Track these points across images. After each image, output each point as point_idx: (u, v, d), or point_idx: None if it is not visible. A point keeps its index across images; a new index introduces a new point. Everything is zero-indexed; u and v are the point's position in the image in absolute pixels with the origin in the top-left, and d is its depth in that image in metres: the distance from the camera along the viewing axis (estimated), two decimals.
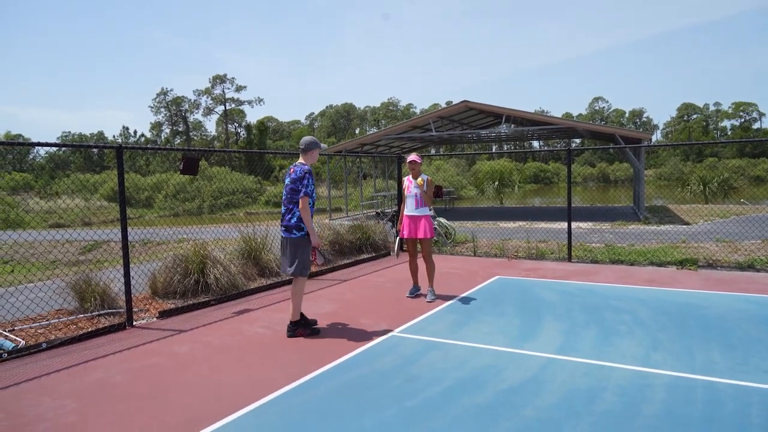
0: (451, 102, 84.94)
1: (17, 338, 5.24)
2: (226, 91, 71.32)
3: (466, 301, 6.64)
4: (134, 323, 5.95)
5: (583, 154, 77.54)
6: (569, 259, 9.30)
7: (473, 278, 7.98)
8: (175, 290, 6.95)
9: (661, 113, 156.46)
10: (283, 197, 5.39)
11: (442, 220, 11.68)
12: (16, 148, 65.85)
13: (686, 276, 7.84)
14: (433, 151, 43.78)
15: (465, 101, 19.30)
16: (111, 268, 8.75)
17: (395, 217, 11.62)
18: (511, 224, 15.39)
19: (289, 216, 5.30)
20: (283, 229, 5.36)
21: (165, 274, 7.08)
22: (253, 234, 8.37)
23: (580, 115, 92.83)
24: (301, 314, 5.41)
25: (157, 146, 66.90)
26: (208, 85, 71.76)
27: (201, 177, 41.00)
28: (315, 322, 5.62)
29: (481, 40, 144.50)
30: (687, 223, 14.67)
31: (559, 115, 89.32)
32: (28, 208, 30.53)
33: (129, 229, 6.16)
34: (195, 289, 7.01)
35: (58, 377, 4.39)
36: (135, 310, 6.20)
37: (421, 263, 7.06)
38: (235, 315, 6.29)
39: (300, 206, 5.18)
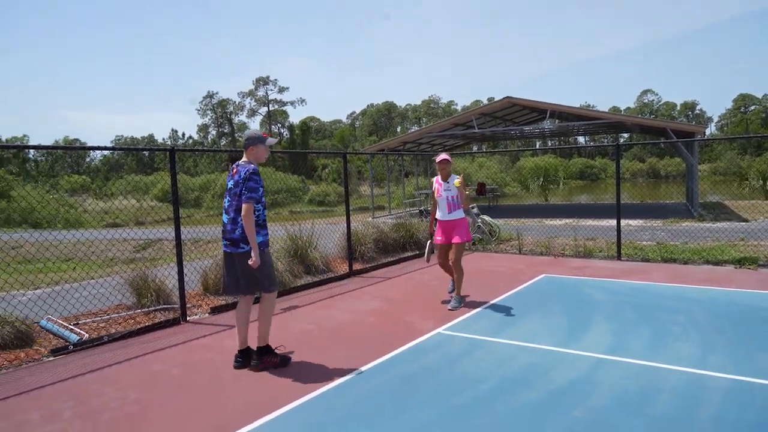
0: (493, 98, 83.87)
1: (81, 332, 5.54)
2: (269, 92, 72.83)
3: (511, 299, 6.58)
4: (188, 318, 6.19)
5: (632, 149, 75.07)
6: (618, 257, 9.06)
7: (519, 276, 7.89)
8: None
9: (716, 105, 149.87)
10: (225, 204, 4.52)
11: (486, 217, 11.57)
12: (74, 152, 69.12)
13: (745, 275, 7.51)
14: (475, 148, 43.34)
15: (508, 97, 19.03)
16: (165, 265, 9.10)
17: None
18: (556, 222, 15.09)
19: (232, 227, 4.41)
20: (226, 243, 4.47)
21: (216, 272, 7.31)
22: (300, 232, 8.54)
23: (628, 108, 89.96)
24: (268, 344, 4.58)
25: (205, 148, 68.73)
26: (252, 87, 73.48)
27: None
28: (287, 356, 4.71)
29: (523, 35, 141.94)
30: (745, 220, 14.00)
31: (606, 110, 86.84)
32: (86, 208, 32.04)
33: (181, 228, 6.40)
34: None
35: (120, 369, 4.63)
36: (188, 305, 6.44)
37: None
38: (282, 312, 6.43)
39: (243, 213, 4.27)
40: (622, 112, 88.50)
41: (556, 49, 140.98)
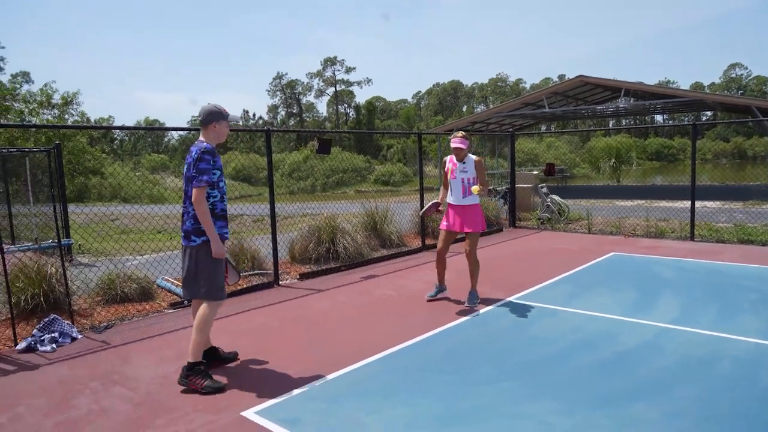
0: (564, 76, 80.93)
1: None
2: (336, 72, 73.95)
3: (580, 274, 6.85)
4: (280, 283, 6.92)
5: (715, 128, 70.54)
6: (692, 238, 9.01)
7: (587, 254, 8.09)
8: (310, 257, 7.88)
9: None
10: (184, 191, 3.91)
11: (556, 197, 11.70)
12: (155, 132, 73.11)
13: None
14: (543, 128, 42.36)
15: (581, 76, 18.68)
16: (251, 237, 9.96)
17: (507, 194, 11.83)
18: (628, 203, 14.87)
19: (185, 217, 3.86)
20: (182, 235, 3.94)
21: (301, 243, 8.03)
22: (376, 208, 9.11)
23: (713, 84, 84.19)
24: (205, 356, 3.97)
25: (297, 129, 70.70)
26: (320, 67, 74.87)
27: (314, 157, 43.25)
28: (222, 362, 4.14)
29: (595, 7, 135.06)
30: None
31: (687, 86, 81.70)
32: (167, 186, 34.31)
33: (254, 205, 7.10)
34: (326, 256, 7.88)
35: (229, 320, 5.37)
36: (280, 272, 7.17)
37: (453, 260, 6.24)
38: (363, 279, 7.04)
39: (193, 199, 3.70)
40: (706, 89, 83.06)
41: (631, 20, 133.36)
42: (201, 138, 3.90)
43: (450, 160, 5.72)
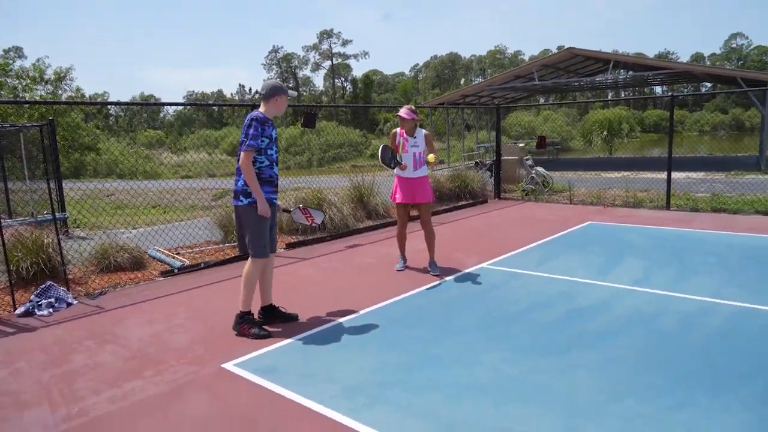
0: (563, 47, 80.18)
1: (184, 259, 6.68)
2: (332, 45, 73.19)
3: (554, 242, 7.16)
4: None
5: (714, 100, 70.26)
6: (667, 207, 9.32)
7: (565, 223, 8.40)
8: (297, 228, 8.18)
9: None
10: None
11: (540, 168, 11.97)
12: (149, 108, 72.77)
13: None
14: (542, 101, 42.28)
15: (570, 48, 18.74)
16: None
17: (492, 167, 12.09)
18: (614, 174, 15.13)
19: (237, 177, 4.17)
20: (232, 195, 4.27)
21: (287, 215, 8.31)
22: (362, 181, 9.38)
23: (713, 55, 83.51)
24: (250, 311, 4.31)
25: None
26: (316, 40, 74.04)
27: (310, 132, 43.19)
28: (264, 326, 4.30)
29: None
30: None
31: (688, 57, 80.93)
32: (162, 161, 34.47)
33: None
34: (313, 227, 8.18)
35: (219, 286, 5.70)
36: None
37: (413, 234, 6.36)
38: (346, 248, 7.35)
39: (241, 162, 4.03)
40: (706, 59, 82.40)
41: None
42: (260, 109, 4.22)
43: (400, 134, 5.76)
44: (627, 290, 4.99)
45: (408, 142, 5.72)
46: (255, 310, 4.44)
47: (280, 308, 4.56)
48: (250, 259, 4.23)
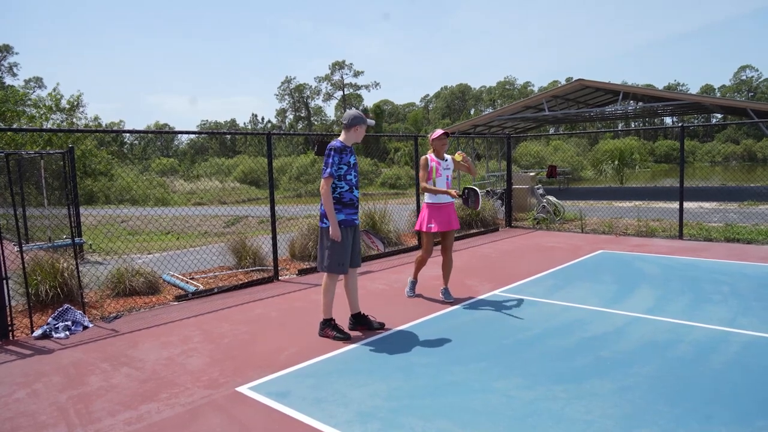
0: (572, 78, 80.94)
1: (197, 284, 6.75)
2: (344, 76, 74.54)
3: (566, 270, 7.15)
4: (280, 278, 7.28)
5: (725, 131, 70.31)
6: (680, 236, 9.28)
7: (576, 252, 8.39)
8: (309, 254, 8.25)
9: None
10: None
11: (551, 198, 12.01)
12: (163, 136, 74.05)
13: None
14: (552, 131, 42.57)
15: (580, 80, 18.97)
16: (254, 237, 10.37)
17: (503, 195, 12.14)
18: (626, 204, 15.12)
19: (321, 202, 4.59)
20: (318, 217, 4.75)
21: (300, 241, 8.40)
22: (374, 208, 9.47)
23: (723, 86, 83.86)
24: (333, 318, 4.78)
25: (297, 132, 71.58)
26: (328, 71, 75.50)
27: (321, 160, 43.60)
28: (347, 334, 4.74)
29: (605, 10, 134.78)
30: None
31: (698, 88, 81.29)
32: (175, 189, 34.90)
33: (260, 207, 7.52)
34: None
35: (231, 311, 5.74)
36: (279, 268, 7.54)
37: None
38: (359, 275, 7.38)
39: (320, 189, 4.47)
40: (716, 91, 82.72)
41: (644, 22, 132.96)
42: (340, 138, 4.60)
43: (431, 159, 5.66)
44: (641, 318, 4.96)
45: (440, 165, 5.66)
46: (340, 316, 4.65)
47: (369, 317, 4.93)
48: (326, 273, 4.67)
